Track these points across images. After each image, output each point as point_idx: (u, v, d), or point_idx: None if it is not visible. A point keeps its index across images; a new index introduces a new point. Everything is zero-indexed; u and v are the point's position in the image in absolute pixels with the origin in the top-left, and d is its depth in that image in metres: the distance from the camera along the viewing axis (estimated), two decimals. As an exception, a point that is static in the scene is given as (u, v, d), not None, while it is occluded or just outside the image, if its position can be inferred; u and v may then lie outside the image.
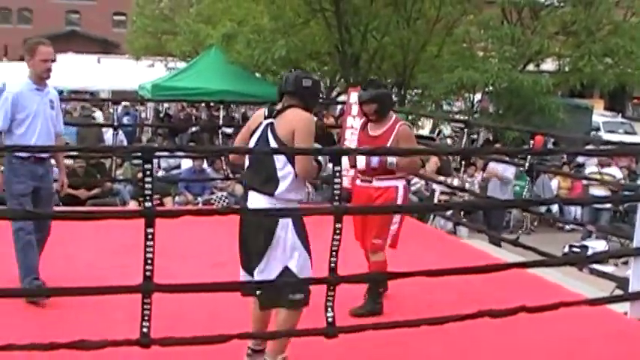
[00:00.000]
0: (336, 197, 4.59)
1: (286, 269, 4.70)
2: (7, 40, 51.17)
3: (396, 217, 6.24)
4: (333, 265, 4.62)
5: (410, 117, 18.38)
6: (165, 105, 27.33)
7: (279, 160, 4.73)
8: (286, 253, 4.70)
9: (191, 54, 24.08)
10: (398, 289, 6.29)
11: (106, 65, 32.40)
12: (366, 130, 6.43)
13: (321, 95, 5.09)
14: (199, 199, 13.59)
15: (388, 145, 6.12)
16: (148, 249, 4.25)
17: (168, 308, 4.94)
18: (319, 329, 4.63)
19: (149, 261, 4.29)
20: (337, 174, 4.58)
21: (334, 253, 4.61)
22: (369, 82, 6.78)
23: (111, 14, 54.00)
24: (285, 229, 4.68)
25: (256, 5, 18.33)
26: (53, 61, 6.38)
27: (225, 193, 13.77)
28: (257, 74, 19.81)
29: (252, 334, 4.84)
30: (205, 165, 14.40)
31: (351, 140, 10.28)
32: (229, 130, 20.82)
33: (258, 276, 4.74)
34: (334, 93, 21.37)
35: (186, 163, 14.88)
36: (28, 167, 6.21)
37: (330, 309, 4.65)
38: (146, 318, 4.32)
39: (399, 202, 6.21)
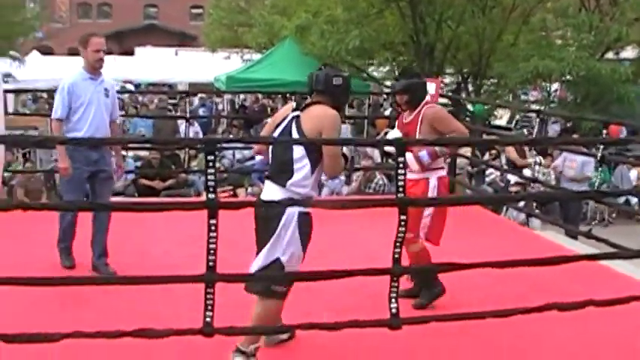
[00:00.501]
0: (400, 189, 4.54)
1: (277, 260, 4.81)
2: (87, 34, 52.10)
3: (428, 210, 6.01)
4: (397, 256, 4.59)
5: (486, 107, 18.22)
6: (242, 96, 27.51)
7: (298, 153, 4.81)
8: (282, 247, 4.79)
9: (267, 45, 24.12)
10: (467, 281, 6.21)
11: (184, 58, 32.74)
12: (401, 119, 6.41)
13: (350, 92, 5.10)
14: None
15: (417, 129, 6.06)
16: (211, 240, 4.28)
17: (234, 298, 4.97)
18: (383, 320, 4.60)
19: (212, 251, 4.32)
20: (400, 165, 4.53)
21: (398, 245, 4.57)
22: (403, 70, 6.67)
23: (188, 7, 54.57)
24: (288, 224, 4.77)
25: (330, -4, 18.29)
26: (104, 51, 6.75)
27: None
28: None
29: (318, 325, 4.83)
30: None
31: (423, 132, 10.23)
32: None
33: (255, 262, 4.89)
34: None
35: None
36: (82, 153, 6.58)
37: (393, 300, 4.61)
38: (209, 307, 4.35)
39: (431, 194, 6.06)
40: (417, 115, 6.13)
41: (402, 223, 4.48)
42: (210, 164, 4.32)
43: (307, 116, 4.88)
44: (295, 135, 4.87)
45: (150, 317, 5.25)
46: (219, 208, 4.27)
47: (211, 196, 4.33)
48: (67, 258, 6.84)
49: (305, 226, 4.82)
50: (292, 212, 4.74)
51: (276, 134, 4.98)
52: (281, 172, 4.85)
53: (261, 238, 4.89)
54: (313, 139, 4.82)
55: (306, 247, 4.89)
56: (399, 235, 4.52)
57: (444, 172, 6.23)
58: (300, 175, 4.81)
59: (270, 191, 4.91)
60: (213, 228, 4.26)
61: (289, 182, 4.81)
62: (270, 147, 5.01)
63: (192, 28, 48.91)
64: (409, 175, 5.82)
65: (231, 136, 17.08)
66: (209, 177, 4.35)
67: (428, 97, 6.40)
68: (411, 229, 5.78)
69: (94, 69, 6.76)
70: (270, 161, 5.00)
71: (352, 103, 24.25)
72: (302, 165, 4.80)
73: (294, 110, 4.98)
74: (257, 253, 4.94)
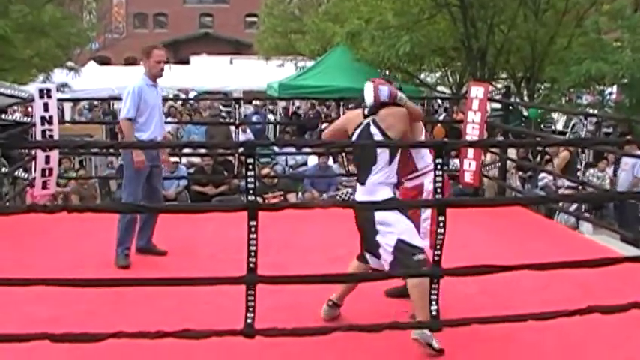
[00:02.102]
0: (438, 190, 4.56)
1: (399, 241, 5.06)
2: (143, 44, 52.43)
3: (426, 214, 5.69)
4: (437, 258, 4.60)
5: (539, 111, 18.06)
6: (296, 103, 27.60)
7: (379, 151, 5.17)
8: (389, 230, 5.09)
9: (320, 52, 24.23)
10: (514, 284, 6.18)
11: (238, 66, 32.97)
12: None
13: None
14: (325, 195, 13.69)
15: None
16: (251, 241, 4.34)
17: (281, 300, 5.03)
18: (423, 322, 4.63)
19: (252, 253, 4.38)
20: (438, 166, 4.54)
21: (438, 247, 4.58)
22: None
23: (243, 16, 54.90)
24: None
25: (381, 2, 18.28)
26: (165, 62, 7.43)
27: (350, 190, 13.82)
28: (385, 71, 19.79)
29: (358, 326, 4.86)
30: (331, 162, 14.49)
31: (472, 135, 10.20)
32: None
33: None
34: (464, 88, 21.17)
35: (313, 160, 14.99)
36: (148, 151, 7.28)
37: (434, 302, 4.63)
38: (250, 309, 4.41)
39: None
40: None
41: (441, 224, 4.50)
42: (250, 167, 4.39)
43: (380, 117, 5.33)
44: (378, 136, 5.28)
45: (192, 318, 5.33)
46: (258, 209, 4.33)
47: (251, 198, 4.40)
48: (125, 259, 7.15)
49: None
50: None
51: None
52: (364, 173, 5.31)
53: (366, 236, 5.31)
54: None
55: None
56: (438, 236, 4.54)
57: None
58: (381, 171, 5.23)
59: (359, 192, 5.36)
60: (253, 230, 4.33)
61: (369, 180, 5.26)
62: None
63: (247, 36, 49.15)
64: (406, 184, 5.88)
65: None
66: (249, 180, 4.42)
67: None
68: None
69: (155, 77, 7.41)
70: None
71: (405, 109, 24.21)
72: (383, 161, 5.24)
73: (366, 116, 5.41)
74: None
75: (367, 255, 5.38)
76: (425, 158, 5.79)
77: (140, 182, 7.23)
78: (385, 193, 5.18)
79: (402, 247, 5.06)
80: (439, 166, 4.53)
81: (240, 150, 9.48)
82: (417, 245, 5.11)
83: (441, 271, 4.60)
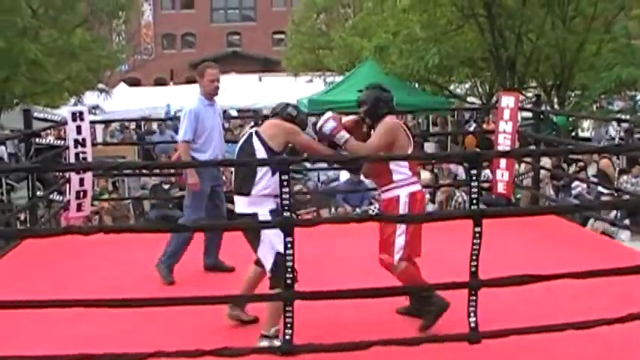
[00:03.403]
0: (474, 200, 4.55)
1: (279, 254, 5.04)
2: (172, 64, 53.10)
3: (400, 228, 5.57)
4: (474, 269, 4.58)
5: (570, 119, 17.95)
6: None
7: None
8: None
9: (348, 67, 24.24)
10: (550, 294, 6.13)
11: (267, 83, 33.02)
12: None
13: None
14: (357, 210, 13.66)
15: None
16: (287, 257, 4.35)
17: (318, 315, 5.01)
18: (462, 334, 4.60)
19: (289, 269, 4.38)
20: (473, 177, 4.53)
21: (475, 258, 4.56)
22: (370, 84, 6.36)
23: (270, 33, 55.02)
24: None
25: (408, 15, 18.28)
26: (218, 80, 7.41)
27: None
28: (414, 84, 19.79)
29: (397, 340, 4.82)
30: (362, 176, 14.47)
31: (504, 145, 10.15)
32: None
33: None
34: (494, 99, 21.11)
35: (345, 175, 14.97)
36: (209, 171, 7.34)
37: (472, 314, 4.61)
38: (289, 325, 4.41)
39: (402, 212, 5.65)
40: (374, 128, 5.88)
41: (477, 235, 4.48)
42: (284, 184, 4.40)
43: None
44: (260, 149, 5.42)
45: (231, 336, 5.33)
46: (294, 225, 4.34)
47: (286, 214, 4.40)
48: (169, 275, 7.19)
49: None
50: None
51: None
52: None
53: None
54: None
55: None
56: (474, 247, 4.52)
57: (417, 187, 5.78)
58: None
59: None
60: (289, 246, 4.33)
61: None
62: None
63: (275, 54, 49.25)
64: (383, 195, 5.78)
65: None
66: (284, 196, 4.43)
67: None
68: (386, 250, 5.64)
69: (211, 96, 7.45)
70: None
71: (436, 121, 24.20)
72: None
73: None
74: None
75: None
76: (402, 170, 5.70)
77: (202, 201, 7.27)
78: (269, 204, 5.30)
79: (279, 261, 5.04)
80: (474, 177, 4.51)
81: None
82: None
83: (479, 283, 4.57)
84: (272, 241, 5.12)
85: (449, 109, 19.98)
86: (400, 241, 5.57)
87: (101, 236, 4.59)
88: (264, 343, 5.07)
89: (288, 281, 4.37)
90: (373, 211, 13.42)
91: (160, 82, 48.32)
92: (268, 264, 5.25)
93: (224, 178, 7.83)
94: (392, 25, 19.33)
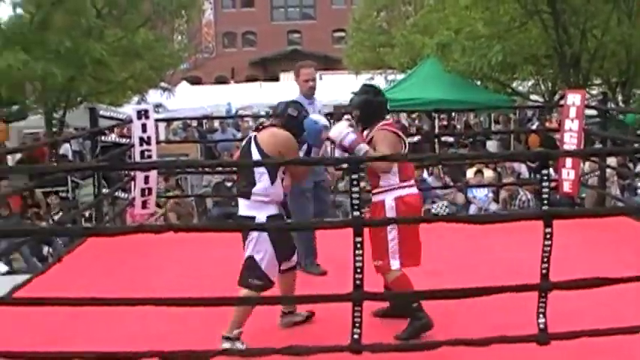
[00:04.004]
0: (545, 201, 4.49)
1: (250, 258, 5.35)
2: (233, 62, 53.49)
3: (391, 234, 5.43)
4: (544, 271, 4.53)
5: (637, 116, 17.64)
6: (386, 117, 27.53)
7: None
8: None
9: (409, 65, 24.15)
10: (619, 296, 6.02)
11: (328, 81, 33.04)
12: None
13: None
14: (419, 209, 13.60)
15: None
16: (357, 258, 4.34)
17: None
18: (531, 336, 4.55)
19: (359, 270, 4.38)
20: (544, 177, 4.47)
21: (545, 259, 4.51)
22: (361, 86, 6.20)
23: (331, 31, 55.10)
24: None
25: (471, 12, 18.14)
26: (313, 79, 7.60)
27: (446, 202, 13.73)
28: (476, 81, 19.64)
29: (466, 340, 4.79)
30: (425, 174, 14.42)
31: (570, 144, 10.02)
32: (450, 139, 20.80)
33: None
34: (556, 97, 20.86)
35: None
36: (311, 167, 7.13)
37: (541, 315, 4.56)
38: (357, 325, 4.41)
39: (389, 216, 5.54)
40: (369, 135, 5.77)
41: (548, 236, 4.42)
42: (354, 183, 4.39)
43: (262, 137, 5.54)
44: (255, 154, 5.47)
45: (297, 335, 5.34)
46: (364, 225, 4.33)
47: (356, 214, 4.40)
48: (318, 268, 7.31)
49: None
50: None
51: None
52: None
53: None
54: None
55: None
56: (545, 249, 4.46)
57: (406, 191, 5.64)
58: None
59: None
60: (359, 246, 4.33)
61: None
62: None
63: (336, 52, 49.27)
64: (373, 198, 5.69)
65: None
66: (354, 195, 4.42)
67: (389, 119, 6.07)
68: (380, 256, 5.51)
69: (307, 96, 7.53)
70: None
71: (498, 119, 24.00)
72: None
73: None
74: None
75: None
76: (389, 176, 5.59)
77: (305, 198, 7.28)
78: (268, 210, 5.37)
79: (249, 265, 5.36)
80: (545, 177, 4.45)
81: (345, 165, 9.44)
82: (263, 270, 5.33)
83: (550, 285, 4.52)
84: (256, 244, 5.30)
85: (512, 107, 19.74)
86: (393, 245, 5.46)
87: (168, 234, 4.63)
88: (227, 345, 5.16)
89: (357, 282, 4.36)
90: (436, 210, 13.38)
91: (221, 81, 48.69)
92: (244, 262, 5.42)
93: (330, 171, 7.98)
94: (454, 23, 19.18)
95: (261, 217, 5.33)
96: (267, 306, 5.32)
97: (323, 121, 5.77)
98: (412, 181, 5.75)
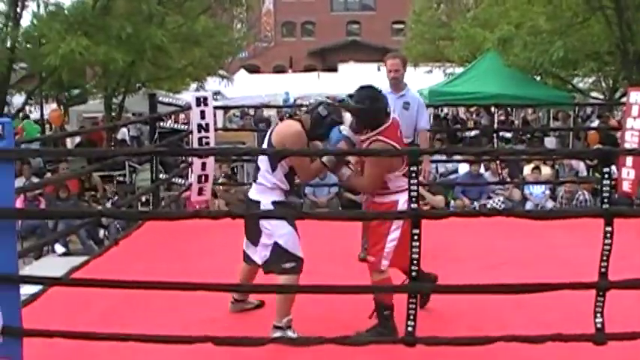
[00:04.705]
0: (605, 200, 4.42)
1: (276, 245, 5.40)
2: (292, 52, 53.59)
3: (393, 234, 5.31)
4: (603, 270, 4.46)
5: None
6: (444, 110, 27.44)
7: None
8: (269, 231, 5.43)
9: (469, 59, 23.99)
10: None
11: (385, 73, 32.98)
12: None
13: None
14: (475, 203, 13.53)
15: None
16: (414, 249, 4.32)
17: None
18: (588, 335, 4.49)
19: (415, 261, 4.36)
20: (606, 176, 4.41)
21: (605, 258, 4.44)
22: (357, 89, 5.85)
23: (390, 23, 54.95)
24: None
25: (532, 7, 17.95)
26: (396, 71, 7.57)
27: (501, 198, 13.63)
28: (536, 77, 19.46)
29: (520, 337, 4.75)
30: (482, 169, 14.32)
31: (631, 142, 9.86)
32: (508, 135, 20.62)
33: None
34: (617, 94, 20.58)
35: (464, 168, 14.83)
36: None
37: (599, 315, 4.49)
38: (411, 317, 4.39)
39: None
40: (367, 140, 5.51)
41: (608, 235, 4.36)
42: (413, 174, 4.37)
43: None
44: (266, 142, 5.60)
45: (348, 325, 5.34)
46: (422, 217, 4.30)
47: (414, 205, 4.37)
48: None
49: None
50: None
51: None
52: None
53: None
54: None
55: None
56: (605, 248, 4.40)
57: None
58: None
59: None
60: (416, 237, 4.31)
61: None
62: None
63: (394, 44, 48.99)
64: (377, 199, 5.57)
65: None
66: (412, 187, 4.40)
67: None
68: (374, 253, 5.43)
69: (392, 86, 7.63)
70: None
71: (557, 116, 23.75)
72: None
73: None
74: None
75: (246, 242, 5.74)
76: (399, 179, 5.42)
77: None
78: (274, 196, 5.48)
79: (277, 251, 5.39)
80: (607, 176, 4.39)
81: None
82: (292, 253, 5.38)
83: (609, 284, 4.45)
84: (274, 231, 5.36)
85: (572, 104, 19.50)
86: (390, 246, 5.33)
87: (224, 220, 4.65)
88: (278, 334, 5.20)
89: (413, 274, 4.34)
90: (492, 205, 13.29)
91: (279, 70, 48.87)
92: (266, 253, 5.46)
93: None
94: (515, 17, 19.01)
95: (266, 202, 5.47)
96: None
97: (347, 132, 5.55)
98: None
